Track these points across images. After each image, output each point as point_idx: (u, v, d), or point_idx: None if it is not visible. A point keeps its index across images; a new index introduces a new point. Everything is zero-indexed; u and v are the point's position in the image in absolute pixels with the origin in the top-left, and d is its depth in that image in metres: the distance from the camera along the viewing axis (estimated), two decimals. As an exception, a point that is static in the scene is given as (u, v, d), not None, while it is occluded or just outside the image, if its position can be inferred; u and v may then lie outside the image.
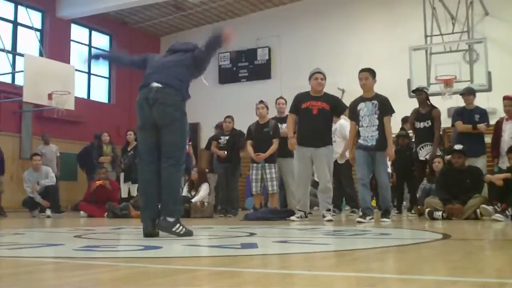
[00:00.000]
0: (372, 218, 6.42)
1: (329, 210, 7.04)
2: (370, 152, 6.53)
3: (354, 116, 6.76)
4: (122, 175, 11.21)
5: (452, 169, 7.45)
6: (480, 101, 8.88)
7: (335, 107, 7.25)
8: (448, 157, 8.10)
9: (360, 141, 6.61)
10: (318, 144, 7.00)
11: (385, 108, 6.63)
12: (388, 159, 6.88)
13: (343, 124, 8.72)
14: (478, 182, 7.22)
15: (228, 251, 3.24)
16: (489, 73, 11.16)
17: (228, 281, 2.12)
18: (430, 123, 8.33)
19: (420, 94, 8.58)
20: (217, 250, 3.38)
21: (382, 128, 6.55)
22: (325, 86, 7.34)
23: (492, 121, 8.60)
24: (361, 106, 6.66)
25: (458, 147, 7.52)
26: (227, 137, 9.45)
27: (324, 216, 6.89)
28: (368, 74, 6.70)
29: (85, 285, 2.06)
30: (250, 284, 2.03)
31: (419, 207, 7.91)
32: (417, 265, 2.55)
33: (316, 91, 7.20)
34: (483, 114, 8.23)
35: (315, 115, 7.04)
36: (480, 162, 7.89)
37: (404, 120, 10.67)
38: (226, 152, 9.31)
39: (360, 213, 6.72)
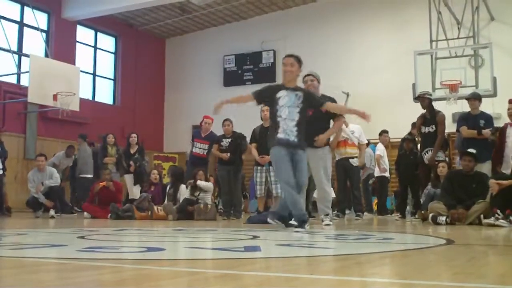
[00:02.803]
0: (308, 225, 5.90)
1: (327, 214, 6.84)
2: (291, 149, 5.73)
3: (265, 98, 6.01)
4: (129, 177, 11.16)
5: (458, 174, 7.43)
6: (485, 106, 8.86)
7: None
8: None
9: (280, 135, 5.72)
10: (313, 145, 6.59)
11: (311, 101, 5.92)
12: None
13: (360, 128, 9.03)
14: (484, 187, 7.18)
15: (231, 254, 3.24)
16: (494, 78, 11.15)
17: (231, 283, 2.12)
18: (434, 128, 8.33)
19: (423, 100, 8.55)
20: (220, 253, 3.38)
21: (301, 126, 5.78)
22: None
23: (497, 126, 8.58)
24: (282, 93, 5.81)
25: (471, 150, 7.48)
26: (229, 140, 9.44)
27: (322, 221, 6.82)
28: (294, 60, 5.88)
29: (88, 286, 2.06)
30: (253, 287, 2.03)
31: (422, 212, 7.89)
32: (420, 270, 2.54)
33: None
34: (488, 120, 8.20)
35: (310, 117, 6.43)
36: (485, 168, 7.87)
37: (414, 125, 10.68)
38: (229, 155, 9.30)
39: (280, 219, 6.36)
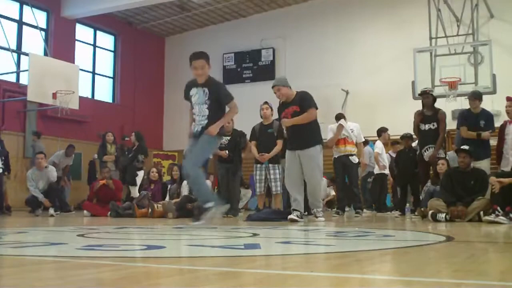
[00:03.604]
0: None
1: (319, 208, 7.12)
2: (196, 139, 5.86)
3: (186, 97, 6.05)
4: None
5: (457, 171, 7.44)
6: (485, 103, 8.85)
7: (301, 105, 7.00)
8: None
9: (192, 127, 5.95)
10: (303, 146, 6.94)
11: (219, 95, 5.82)
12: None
13: (358, 126, 9.25)
14: (483, 184, 7.19)
15: (231, 252, 3.24)
16: (493, 76, 11.14)
17: (231, 281, 2.12)
18: (435, 125, 8.32)
19: (427, 97, 8.54)
20: (220, 251, 3.38)
21: (212, 117, 5.77)
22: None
23: (497, 123, 8.57)
24: (193, 91, 5.90)
25: (464, 147, 7.50)
26: (228, 137, 9.42)
27: (316, 216, 6.95)
28: (204, 61, 5.86)
29: (88, 284, 2.06)
30: (253, 285, 2.03)
31: (422, 209, 7.89)
32: (420, 267, 2.54)
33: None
34: (489, 120, 8.16)
35: (292, 116, 6.97)
36: (484, 165, 7.86)
37: None
38: (227, 152, 9.29)
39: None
